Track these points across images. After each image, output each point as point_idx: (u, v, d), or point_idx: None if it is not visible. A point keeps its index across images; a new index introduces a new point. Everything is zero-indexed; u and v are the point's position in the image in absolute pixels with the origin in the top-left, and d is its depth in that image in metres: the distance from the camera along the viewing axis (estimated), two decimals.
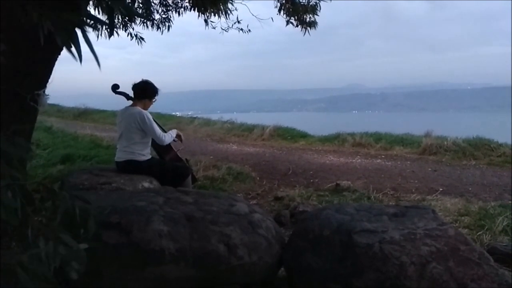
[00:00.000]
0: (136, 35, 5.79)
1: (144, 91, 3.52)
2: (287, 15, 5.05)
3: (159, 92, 3.60)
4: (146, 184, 3.30)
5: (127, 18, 5.10)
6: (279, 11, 5.08)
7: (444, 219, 2.60)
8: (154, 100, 3.61)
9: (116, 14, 0.90)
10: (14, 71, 1.95)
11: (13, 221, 0.80)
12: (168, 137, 3.56)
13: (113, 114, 14.48)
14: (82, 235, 0.95)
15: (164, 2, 5.53)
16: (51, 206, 0.94)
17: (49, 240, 0.83)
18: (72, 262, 0.88)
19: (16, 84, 1.97)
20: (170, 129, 3.79)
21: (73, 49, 0.80)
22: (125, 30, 5.65)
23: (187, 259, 1.88)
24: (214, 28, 5.59)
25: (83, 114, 16.84)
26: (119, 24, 5.41)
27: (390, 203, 4.25)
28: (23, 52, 1.93)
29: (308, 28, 5.07)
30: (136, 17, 5.20)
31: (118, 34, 5.53)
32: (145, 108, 3.48)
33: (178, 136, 3.78)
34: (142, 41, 5.86)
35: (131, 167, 3.40)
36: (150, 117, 3.41)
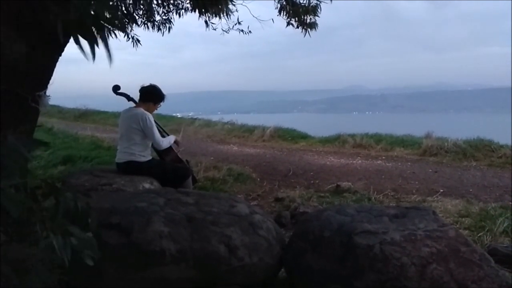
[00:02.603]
0: (133, 37, 5.74)
1: (150, 95, 3.55)
2: (287, 16, 5.05)
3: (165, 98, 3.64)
4: (146, 185, 3.30)
5: (126, 19, 5.09)
6: (280, 12, 5.08)
7: (444, 220, 2.59)
8: (158, 105, 3.64)
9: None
10: (14, 72, 1.95)
11: (17, 216, 0.81)
12: (166, 142, 3.59)
13: (113, 115, 14.47)
14: (84, 228, 0.95)
15: (165, 4, 5.52)
16: (54, 203, 0.94)
17: (57, 233, 0.84)
18: (85, 250, 0.89)
19: (17, 84, 1.97)
20: (171, 130, 3.81)
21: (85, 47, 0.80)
22: (123, 31, 5.62)
23: (188, 260, 1.88)
24: (214, 29, 5.59)
25: (84, 115, 16.82)
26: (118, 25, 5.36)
27: (391, 204, 4.24)
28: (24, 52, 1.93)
29: (309, 29, 5.07)
30: (134, 21, 5.18)
31: (116, 36, 5.50)
32: (149, 111, 3.49)
33: (175, 142, 3.82)
34: (139, 43, 5.79)
35: (131, 168, 3.41)
36: (152, 119, 3.42)
